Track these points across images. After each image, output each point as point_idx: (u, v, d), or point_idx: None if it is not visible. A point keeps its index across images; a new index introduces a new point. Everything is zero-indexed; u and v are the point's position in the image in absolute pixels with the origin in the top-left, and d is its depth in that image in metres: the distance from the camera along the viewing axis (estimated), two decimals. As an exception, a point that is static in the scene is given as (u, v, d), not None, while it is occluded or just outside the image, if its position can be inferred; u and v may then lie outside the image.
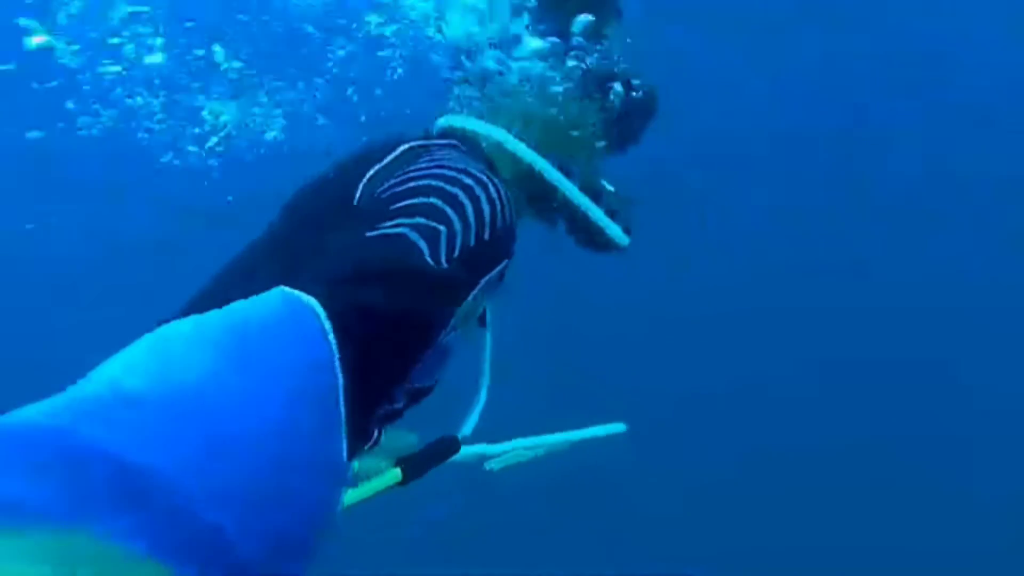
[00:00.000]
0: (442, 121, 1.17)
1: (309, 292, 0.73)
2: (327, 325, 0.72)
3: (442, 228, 0.88)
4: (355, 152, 1.08)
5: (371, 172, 0.99)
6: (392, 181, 0.95)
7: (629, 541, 6.26)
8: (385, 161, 1.01)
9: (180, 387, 0.61)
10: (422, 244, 0.86)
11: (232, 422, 0.62)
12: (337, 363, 0.71)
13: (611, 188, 1.22)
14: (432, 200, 0.90)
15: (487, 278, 0.96)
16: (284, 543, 0.63)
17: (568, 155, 1.18)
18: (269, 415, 0.65)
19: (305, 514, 0.66)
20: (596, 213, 1.14)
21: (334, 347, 0.71)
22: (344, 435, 0.71)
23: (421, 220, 0.88)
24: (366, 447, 1.02)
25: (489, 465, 1.25)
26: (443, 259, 0.87)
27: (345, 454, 0.72)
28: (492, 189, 0.95)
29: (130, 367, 0.64)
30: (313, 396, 0.69)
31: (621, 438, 1.28)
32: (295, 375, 0.68)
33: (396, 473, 1.08)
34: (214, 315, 0.71)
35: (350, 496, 1.03)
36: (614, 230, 1.16)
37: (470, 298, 0.93)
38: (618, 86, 1.21)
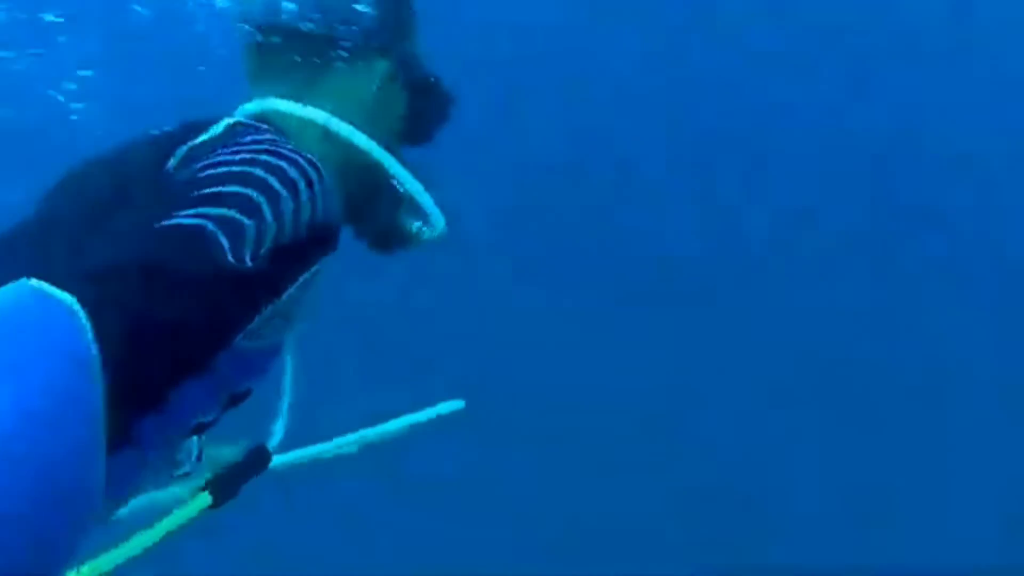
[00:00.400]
0: (251, 106, 1.05)
1: (66, 286, 0.64)
2: (85, 323, 0.62)
3: (249, 222, 0.79)
4: (165, 128, 0.98)
5: (184, 148, 0.90)
6: (205, 162, 0.86)
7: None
8: (203, 137, 0.92)
9: None
10: (222, 239, 0.77)
11: None
12: (97, 366, 0.62)
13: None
14: (244, 189, 0.81)
15: (306, 274, 0.89)
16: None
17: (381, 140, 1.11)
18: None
19: (41, 540, 0.58)
20: (423, 195, 1.08)
21: (93, 347, 0.62)
22: (101, 452, 0.63)
23: (226, 212, 0.79)
24: (183, 464, 0.97)
25: (275, 463, 1.17)
26: (247, 256, 0.78)
27: (101, 474, 0.63)
28: (315, 176, 0.88)
29: None
30: (62, 403, 0.60)
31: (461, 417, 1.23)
32: (38, 378, 0.59)
33: (205, 497, 1.01)
34: None
35: (159, 527, 0.94)
36: (436, 214, 1.10)
37: (283, 296, 0.86)
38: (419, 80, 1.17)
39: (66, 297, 0.63)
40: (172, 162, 0.89)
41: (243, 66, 1.13)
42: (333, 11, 1.09)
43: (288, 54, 1.09)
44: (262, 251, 0.80)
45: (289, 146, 0.91)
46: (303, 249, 0.87)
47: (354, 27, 1.09)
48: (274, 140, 0.92)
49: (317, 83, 1.09)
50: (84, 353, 0.61)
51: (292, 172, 0.86)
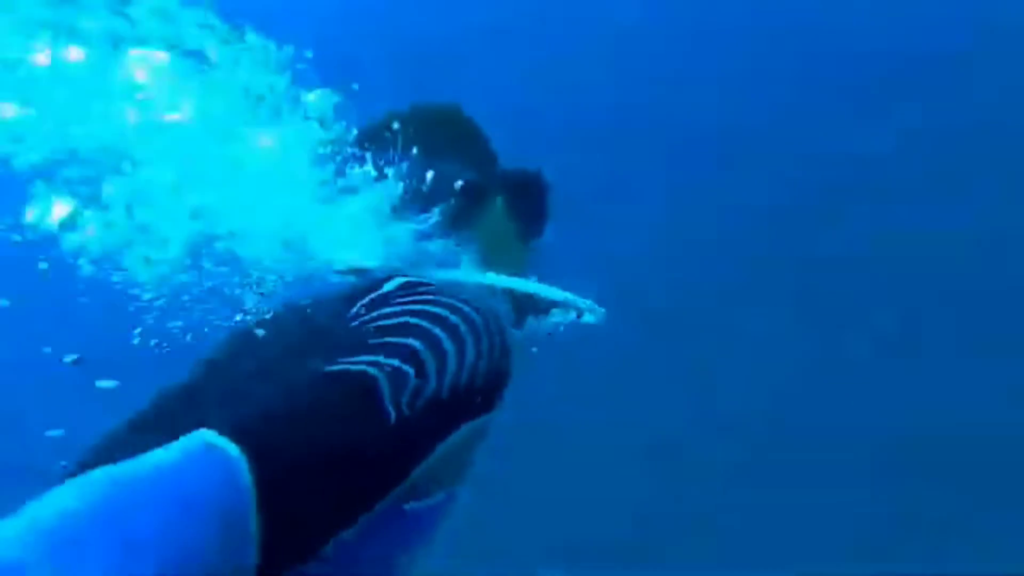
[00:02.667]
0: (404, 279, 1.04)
1: (233, 435, 0.66)
2: (247, 478, 0.64)
3: (411, 373, 0.79)
4: (334, 290, 1.00)
5: (363, 301, 0.92)
6: (377, 312, 0.88)
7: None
8: (379, 292, 0.94)
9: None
10: (384, 385, 0.77)
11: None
12: (253, 515, 0.63)
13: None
14: (411, 342, 0.82)
15: (465, 430, 0.86)
16: None
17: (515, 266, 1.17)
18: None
19: None
20: (574, 299, 1.11)
21: (250, 497, 0.63)
22: None
23: (390, 360, 0.79)
24: None
25: None
26: (404, 406, 0.78)
27: None
28: (485, 335, 0.87)
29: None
30: (220, 551, 0.61)
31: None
32: (198, 528, 0.61)
33: None
34: (122, 467, 0.63)
35: None
36: (593, 307, 1.13)
37: (438, 451, 0.83)
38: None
39: (232, 448, 0.65)
40: (352, 312, 0.91)
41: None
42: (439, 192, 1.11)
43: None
44: (420, 402, 0.79)
45: (461, 299, 0.91)
46: (460, 407, 0.85)
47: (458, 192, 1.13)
48: (442, 292, 0.92)
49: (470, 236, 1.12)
50: (239, 505, 0.63)
51: (464, 331, 0.86)
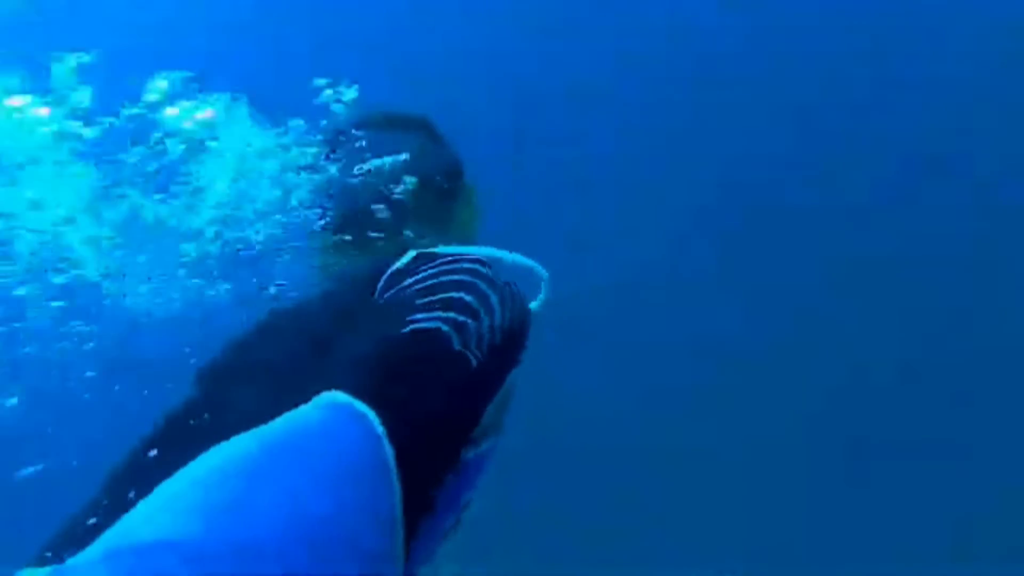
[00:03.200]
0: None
1: (356, 396, 0.69)
2: (380, 430, 0.67)
3: (472, 322, 0.84)
4: (351, 272, 1.06)
5: (384, 278, 0.96)
6: (411, 280, 0.91)
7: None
8: (395, 266, 0.97)
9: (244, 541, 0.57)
10: (454, 336, 0.81)
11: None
12: (394, 471, 0.66)
13: None
14: (459, 294, 0.87)
15: (510, 375, 0.92)
16: None
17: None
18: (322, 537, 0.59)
19: None
20: (521, 259, 1.13)
21: (389, 455, 0.67)
22: (402, 551, 0.67)
23: (450, 314, 0.83)
24: None
25: None
26: (475, 351, 0.83)
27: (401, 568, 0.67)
28: (508, 292, 0.93)
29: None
30: (371, 508, 0.64)
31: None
32: (352, 487, 0.64)
33: None
34: (266, 433, 0.65)
35: None
36: (536, 266, 1.15)
37: (497, 396, 0.89)
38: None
39: (366, 410, 0.68)
40: (379, 288, 0.95)
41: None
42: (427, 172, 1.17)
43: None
44: (484, 348, 0.84)
45: (472, 260, 0.96)
46: (508, 349, 0.90)
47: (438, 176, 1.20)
48: (458, 258, 0.96)
49: (447, 220, 1.19)
50: (383, 460, 0.66)
51: (483, 282, 0.91)
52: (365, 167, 1.13)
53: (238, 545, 0.55)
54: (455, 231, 1.20)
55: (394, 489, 0.66)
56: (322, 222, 1.16)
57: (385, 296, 0.93)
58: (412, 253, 1.00)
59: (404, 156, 1.15)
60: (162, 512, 0.58)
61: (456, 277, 0.90)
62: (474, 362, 0.81)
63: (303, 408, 0.67)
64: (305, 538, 0.58)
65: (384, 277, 0.96)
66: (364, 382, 0.72)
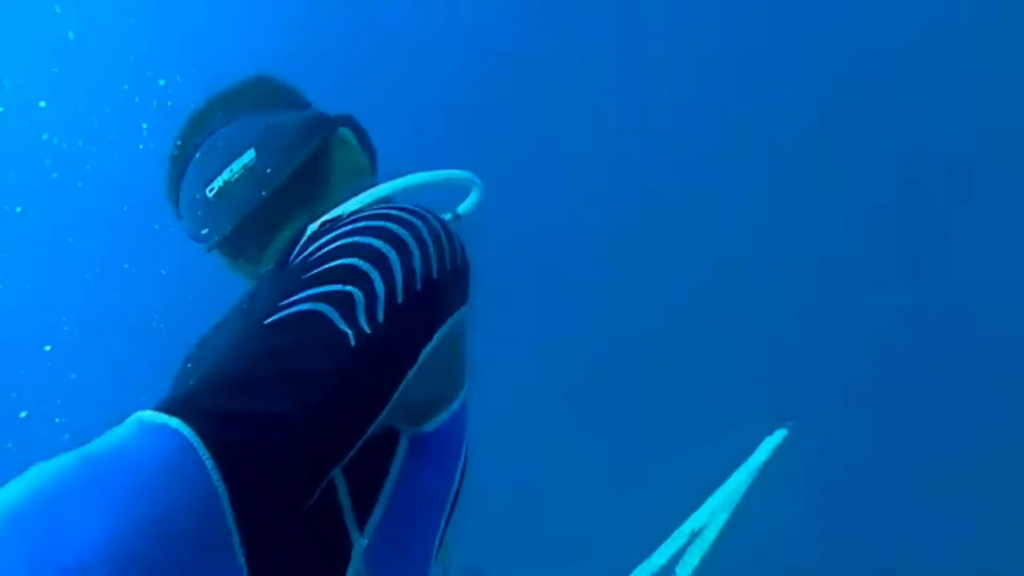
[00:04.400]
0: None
1: (169, 408, 0.58)
2: (195, 442, 0.56)
3: (355, 291, 0.72)
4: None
5: (293, 254, 0.89)
6: (308, 251, 0.82)
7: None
8: (303, 239, 0.91)
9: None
10: (331, 314, 0.70)
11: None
12: (217, 482, 0.56)
13: None
14: (347, 261, 0.75)
15: (443, 329, 0.80)
16: None
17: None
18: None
19: None
20: (458, 175, 1.07)
21: (208, 464, 0.56)
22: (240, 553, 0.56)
23: (330, 287, 0.72)
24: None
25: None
26: (364, 325, 0.70)
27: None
28: (426, 229, 0.81)
29: None
30: (188, 529, 0.54)
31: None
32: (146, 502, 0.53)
33: None
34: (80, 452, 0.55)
35: None
36: (473, 179, 1.08)
37: (422, 359, 0.76)
38: None
39: (169, 420, 0.57)
40: (287, 267, 0.87)
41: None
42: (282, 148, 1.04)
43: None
44: (380, 315, 0.72)
45: (391, 207, 0.86)
46: (432, 302, 0.78)
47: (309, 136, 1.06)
48: (375, 211, 0.86)
49: (332, 180, 1.07)
50: (193, 469, 0.55)
51: (396, 228, 0.79)
52: (215, 184, 1.02)
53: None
54: (346, 185, 1.06)
55: (211, 502, 0.55)
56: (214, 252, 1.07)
57: (288, 268, 0.84)
58: (316, 223, 0.92)
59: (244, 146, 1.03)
60: None
61: (349, 240, 0.78)
62: (354, 339, 0.69)
63: (109, 433, 0.58)
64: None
65: (291, 257, 0.88)
66: (195, 387, 0.62)
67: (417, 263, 0.77)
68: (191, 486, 0.55)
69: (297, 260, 0.84)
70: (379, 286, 0.73)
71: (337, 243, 0.79)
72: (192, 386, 0.63)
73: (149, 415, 0.58)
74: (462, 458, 0.94)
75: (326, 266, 0.75)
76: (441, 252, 0.80)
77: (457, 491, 0.94)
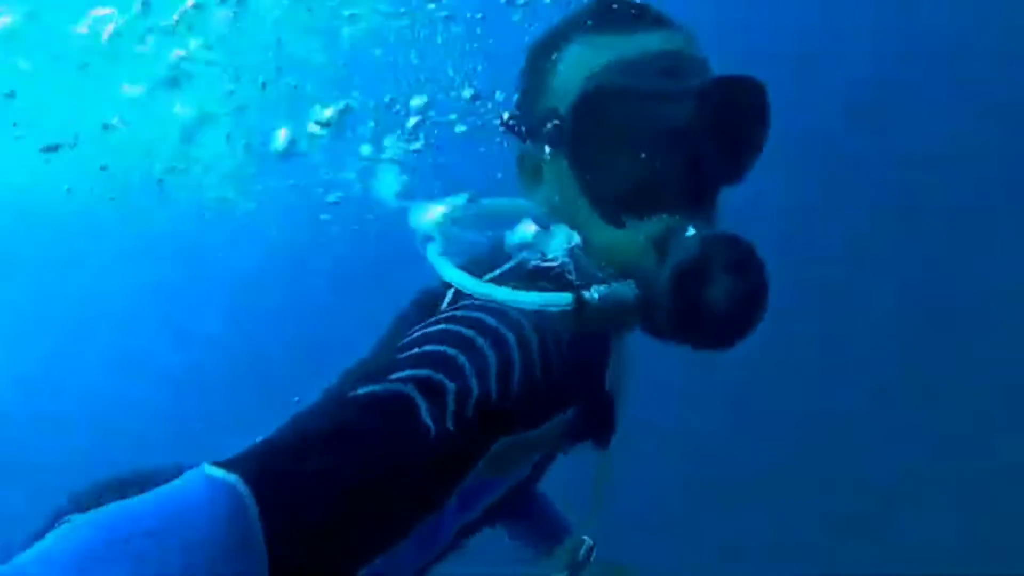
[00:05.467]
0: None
1: (239, 466, 0.63)
2: (249, 502, 0.61)
3: (450, 384, 0.72)
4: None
5: (448, 297, 0.90)
6: (417, 327, 0.82)
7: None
8: (451, 292, 0.91)
9: None
10: (420, 401, 0.70)
11: None
12: (262, 542, 0.60)
13: None
14: (443, 348, 0.75)
15: (534, 433, 0.80)
16: None
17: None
18: None
19: None
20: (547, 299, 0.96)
21: (255, 525, 0.60)
22: None
23: (425, 372, 0.73)
24: None
25: None
26: (449, 421, 0.71)
27: None
28: (533, 334, 0.80)
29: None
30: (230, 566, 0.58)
31: None
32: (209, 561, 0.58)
33: None
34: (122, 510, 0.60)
35: None
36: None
37: (498, 448, 0.77)
38: None
39: (229, 478, 0.62)
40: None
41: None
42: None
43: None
44: (468, 413, 0.72)
45: (499, 302, 0.85)
46: (524, 407, 0.78)
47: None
48: (485, 301, 0.86)
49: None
50: (243, 530, 0.60)
51: (501, 328, 0.79)
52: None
53: None
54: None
55: (253, 562, 0.60)
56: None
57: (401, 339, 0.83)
58: (452, 290, 0.91)
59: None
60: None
61: (451, 327, 0.78)
62: (435, 432, 0.69)
63: (171, 485, 0.64)
64: None
65: (446, 300, 0.89)
66: (264, 449, 0.67)
67: (517, 370, 0.76)
68: (239, 545, 0.59)
69: (445, 310, 0.85)
70: (472, 385, 0.73)
71: (440, 326, 0.79)
72: (268, 444, 0.67)
73: (211, 470, 0.63)
74: (475, 514, 0.93)
75: (425, 348, 0.76)
76: (545, 357, 0.79)
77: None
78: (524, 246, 0.94)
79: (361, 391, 0.71)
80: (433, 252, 0.95)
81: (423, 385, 0.71)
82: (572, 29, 0.98)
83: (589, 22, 0.96)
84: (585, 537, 1.30)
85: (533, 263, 0.93)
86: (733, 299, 0.88)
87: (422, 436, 0.69)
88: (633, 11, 0.96)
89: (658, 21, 0.96)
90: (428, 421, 0.69)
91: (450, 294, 0.90)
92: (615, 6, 0.97)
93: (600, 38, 0.95)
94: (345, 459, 0.66)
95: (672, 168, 0.91)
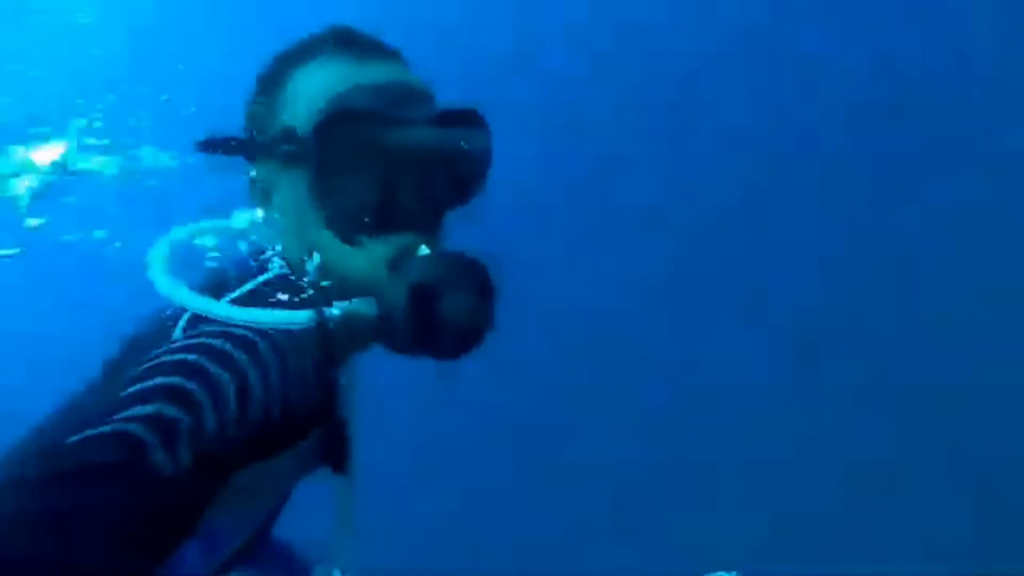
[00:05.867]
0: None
1: None
2: None
3: (184, 417, 0.71)
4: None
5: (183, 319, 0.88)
6: (155, 352, 0.80)
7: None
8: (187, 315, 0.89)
9: None
10: (149, 438, 0.68)
11: None
12: None
13: None
14: (175, 380, 0.74)
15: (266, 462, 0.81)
16: None
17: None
18: None
19: None
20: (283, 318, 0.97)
21: None
22: None
23: (154, 408, 0.71)
24: None
25: None
26: (182, 456, 0.69)
27: None
28: (274, 360, 0.80)
29: None
30: None
31: None
32: None
33: None
34: None
35: None
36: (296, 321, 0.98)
37: (231, 484, 0.77)
38: None
39: None
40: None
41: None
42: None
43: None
44: (204, 444, 0.71)
45: (241, 329, 0.84)
46: (259, 439, 0.78)
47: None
48: (223, 323, 0.85)
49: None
50: None
51: (239, 356, 0.78)
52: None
53: None
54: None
55: None
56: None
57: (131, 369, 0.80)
58: (188, 315, 0.89)
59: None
60: None
61: (188, 358, 0.76)
62: (168, 471, 0.67)
63: None
64: None
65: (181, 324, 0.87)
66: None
67: (255, 400, 0.76)
68: None
69: (173, 342, 0.82)
70: (206, 419, 0.72)
71: (176, 356, 0.77)
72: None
73: None
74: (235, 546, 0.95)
75: (156, 381, 0.74)
76: (279, 391, 0.79)
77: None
78: (260, 265, 0.99)
79: (87, 433, 0.68)
80: (160, 273, 0.94)
81: (153, 422, 0.69)
82: (310, 53, 1.04)
83: (329, 47, 1.03)
84: (335, 571, 1.25)
85: (271, 281, 0.96)
86: (465, 312, 0.97)
87: (152, 477, 0.67)
88: (369, 42, 1.04)
89: (393, 54, 1.05)
90: (159, 460, 0.68)
91: (185, 317, 0.88)
92: (351, 36, 1.04)
93: (341, 64, 1.01)
94: (65, 528, 0.62)
95: (408, 191, 0.98)
